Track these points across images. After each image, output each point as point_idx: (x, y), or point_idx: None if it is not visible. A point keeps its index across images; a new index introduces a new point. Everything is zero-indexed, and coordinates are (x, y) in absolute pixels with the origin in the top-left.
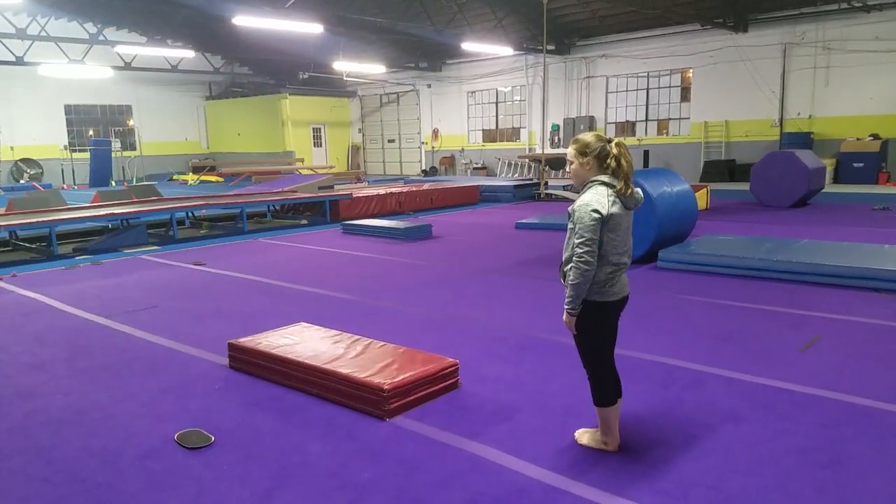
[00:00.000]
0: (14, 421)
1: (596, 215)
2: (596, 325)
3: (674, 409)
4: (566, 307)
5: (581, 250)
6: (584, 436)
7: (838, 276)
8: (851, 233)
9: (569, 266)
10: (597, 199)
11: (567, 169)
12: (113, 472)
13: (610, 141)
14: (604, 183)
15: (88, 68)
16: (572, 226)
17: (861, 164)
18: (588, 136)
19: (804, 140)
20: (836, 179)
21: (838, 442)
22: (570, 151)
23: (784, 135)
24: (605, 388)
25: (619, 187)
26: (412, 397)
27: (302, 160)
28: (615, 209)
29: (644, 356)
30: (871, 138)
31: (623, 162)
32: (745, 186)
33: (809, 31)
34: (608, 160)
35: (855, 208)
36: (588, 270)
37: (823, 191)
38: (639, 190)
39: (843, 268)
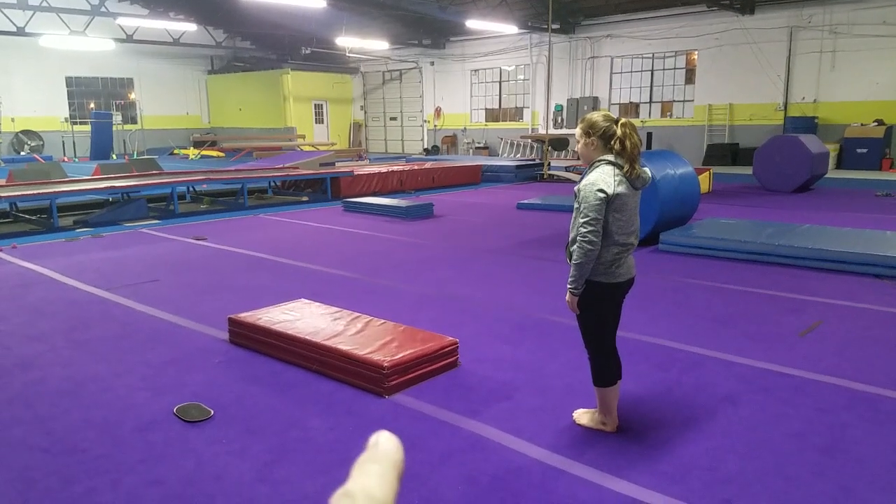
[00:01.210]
0: (14, 391)
1: (601, 195)
2: (599, 306)
3: (673, 392)
4: (569, 286)
5: (585, 230)
6: (583, 416)
7: (840, 261)
8: (854, 219)
9: (574, 246)
10: (602, 178)
11: (575, 148)
12: (112, 444)
13: (617, 121)
14: (610, 162)
15: (90, 40)
16: (578, 205)
17: (865, 150)
18: (595, 116)
19: (808, 125)
20: (840, 165)
21: (837, 427)
22: (577, 131)
23: (788, 119)
24: (605, 368)
25: (624, 168)
26: (411, 375)
27: (303, 136)
28: (621, 188)
29: (644, 338)
30: (876, 124)
31: (628, 143)
32: (747, 170)
33: (816, 15)
34: (613, 141)
35: (858, 194)
36: (592, 250)
37: (826, 176)
38: (646, 170)
39: (845, 253)
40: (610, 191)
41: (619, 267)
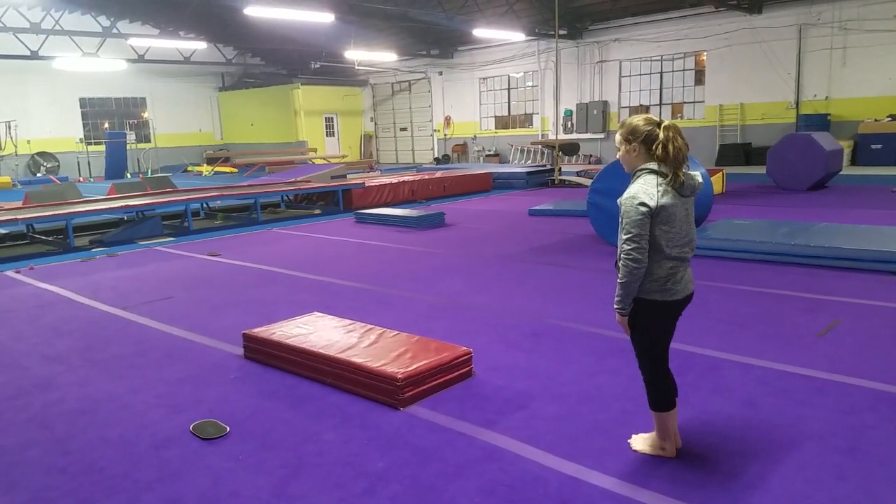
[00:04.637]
0: (32, 412)
1: (643, 209)
2: (655, 326)
3: (690, 397)
4: (616, 307)
5: (628, 247)
6: (639, 442)
7: (857, 259)
8: (870, 215)
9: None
10: (644, 189)
11: (616, 156)
12: (129, 463)
13: (660, 124)
14: (653, 171)
15: (102, 61)
16: (620, 219)
17: (879, 146)
18: (636, 120)
19: (821, 122)
20: (854, 161)
21: (858, 428)
22: (617, 137)
23: (800, 117)
24: (662, 391)
25: (668, 176)
26: (426, 386)
27: (315, 150)
28: (666, 199)
29: None
30: (890, 119)
31: (671, 147)
32: (761, 170)
33: (825, 12)
34: (655, 146)
35: (873, 190)
36: (637, 268)
37: (841, 173)
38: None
39: (862, 251)
40: (653, 203)
41: (677, 283)
